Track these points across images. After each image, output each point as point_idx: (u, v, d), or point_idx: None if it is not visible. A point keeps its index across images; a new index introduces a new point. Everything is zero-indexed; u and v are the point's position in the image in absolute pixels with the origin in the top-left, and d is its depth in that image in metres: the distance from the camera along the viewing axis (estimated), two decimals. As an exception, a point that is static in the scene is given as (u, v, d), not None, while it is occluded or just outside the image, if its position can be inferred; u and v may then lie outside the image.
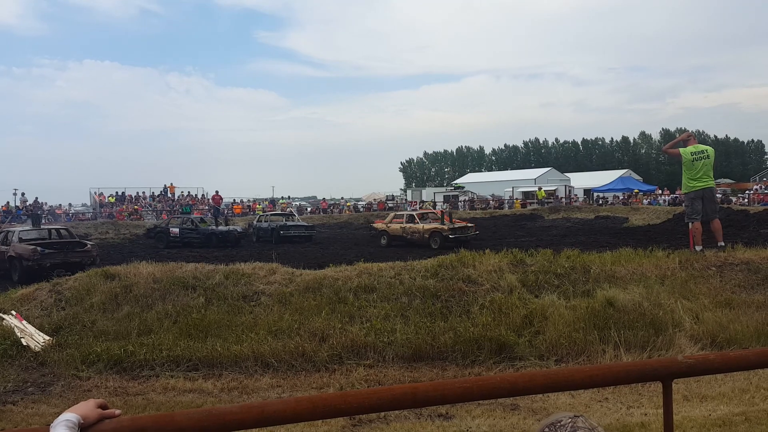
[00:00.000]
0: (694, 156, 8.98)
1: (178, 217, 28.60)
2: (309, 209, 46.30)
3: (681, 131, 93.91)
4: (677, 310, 7.55)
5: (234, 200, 45.63)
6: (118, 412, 1.48)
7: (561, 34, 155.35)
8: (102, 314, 8.58)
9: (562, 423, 1.40)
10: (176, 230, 24.89)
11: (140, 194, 42.33)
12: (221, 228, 25.15)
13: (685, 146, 9.26)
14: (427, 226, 20.81)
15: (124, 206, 39.14)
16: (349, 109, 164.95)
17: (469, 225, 22.06)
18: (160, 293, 8.79)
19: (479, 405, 5.81)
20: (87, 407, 1.45)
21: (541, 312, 7.68)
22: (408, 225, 21.41)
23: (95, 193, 41.18)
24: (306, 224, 26.06)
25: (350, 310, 8.06)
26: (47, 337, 8.09)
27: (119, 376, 7.19)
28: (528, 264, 8.99)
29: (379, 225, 22.98)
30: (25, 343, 7.90)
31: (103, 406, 1.47)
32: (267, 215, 29.13)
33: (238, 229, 25.53)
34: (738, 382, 6.14)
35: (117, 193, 41.80)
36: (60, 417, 1.39)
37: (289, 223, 25.93)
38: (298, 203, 51.18)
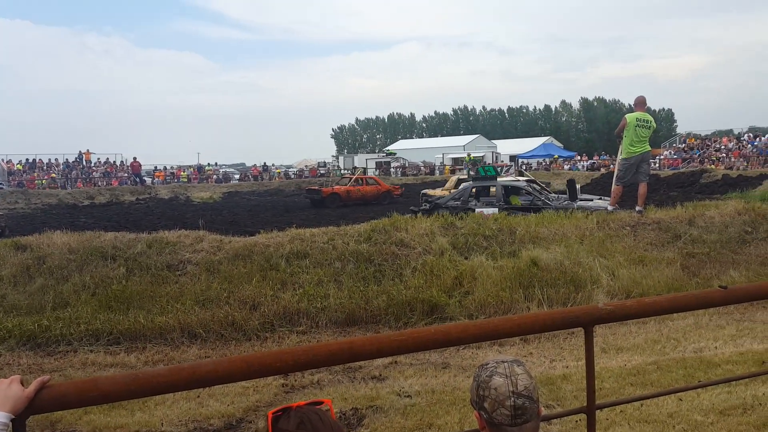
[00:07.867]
0: (638, 123, 9.45)
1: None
2: (237, 176, 45.08)
3: (598, 99, 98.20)
4: (595, 268, 7.95)
5: (155, 167, 43.76)
6: (47, 377, 1.34)
7: (490, 3, 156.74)
8: (13, 288, 8.04)
9: (488, 366, 1.46)
10: None
11: (52, 161, 39.75)
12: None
13: (632, 111, 9.67)
14: None
15: (35, 174, 36.65)
16: (280, 74, 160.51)
17: None
18: (76, 264, 8.31)
19: (411, 365, 5.93)
20: (15, 397, 1.25)
21: (470, 273, 7.88)
22: None
23: (2, 160, 38.31)
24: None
25: (282, 277, 7.95)
26: (-48, 314, 7.54)
27: (33, 352, 6.79)
28: (458, 227, 9.16)
29: None
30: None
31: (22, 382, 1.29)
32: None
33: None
34: (650, 333, 6.58)
35: (27, 160, 39.05)
36: None
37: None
38: (224, 170, 49.62)
